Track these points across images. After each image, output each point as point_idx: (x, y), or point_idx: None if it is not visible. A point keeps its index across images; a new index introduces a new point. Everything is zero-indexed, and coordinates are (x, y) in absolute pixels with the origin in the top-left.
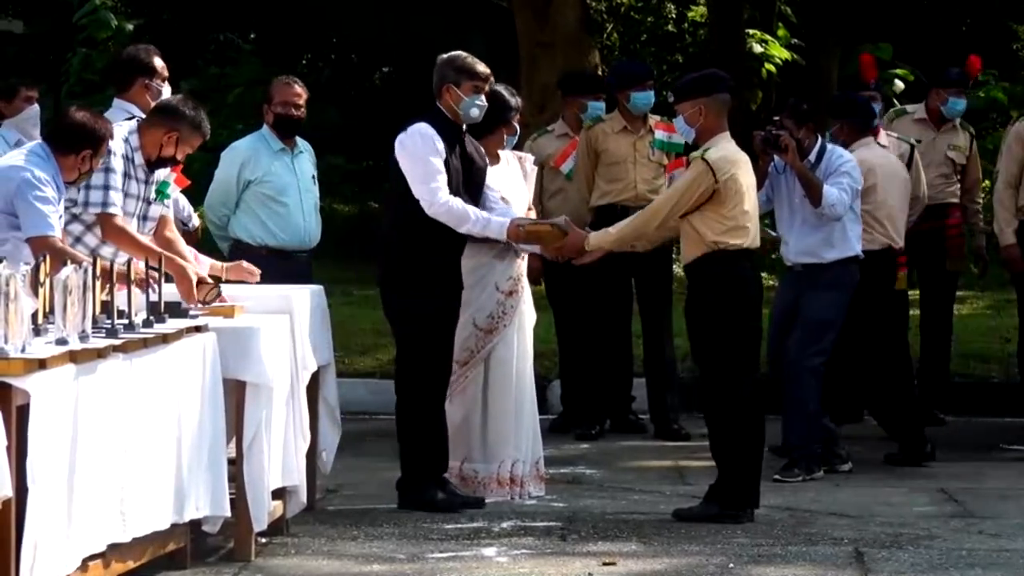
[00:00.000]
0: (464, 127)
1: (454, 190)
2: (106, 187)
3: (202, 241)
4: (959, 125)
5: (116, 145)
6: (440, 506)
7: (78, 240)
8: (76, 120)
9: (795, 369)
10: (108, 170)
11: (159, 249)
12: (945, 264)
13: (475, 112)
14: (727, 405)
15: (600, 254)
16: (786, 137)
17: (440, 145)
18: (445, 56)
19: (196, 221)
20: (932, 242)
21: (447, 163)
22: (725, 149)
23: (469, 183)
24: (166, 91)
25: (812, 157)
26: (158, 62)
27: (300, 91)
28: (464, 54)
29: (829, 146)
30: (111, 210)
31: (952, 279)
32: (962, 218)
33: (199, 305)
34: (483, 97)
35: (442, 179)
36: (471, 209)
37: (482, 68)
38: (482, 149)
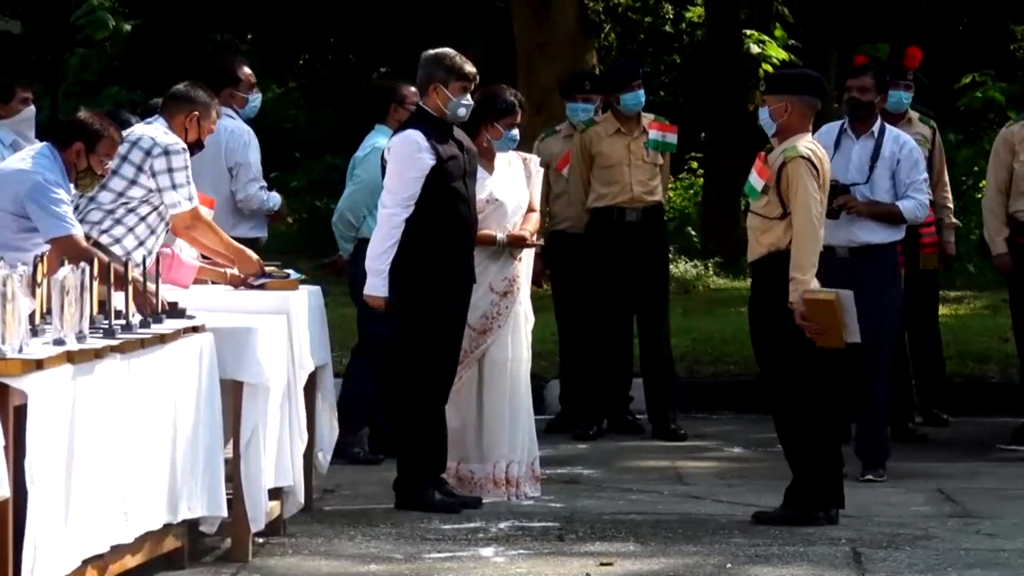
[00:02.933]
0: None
1: (457, 183)
2: (189, 182)
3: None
4: (919, 119)
5: (171, 139)
6: (438, 506)
7: (118, 241)
8: (74, 117)
9: (883, 376)
10: (182, 168)
11: (236, 244)
12: (919, 263)
13: (462, 112)
14: (798, 406)
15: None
16: (847, 201)
17: (427, 155)
18: (432, 53)
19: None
20: (905, 241)
21: (442, 161)
22: (809, 144)
23: (469, 171)
24: (256, 99)
25: (875, 130)
26: (244, 71)
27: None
28: (452, 52)
29: (886, 125)
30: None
31: (931, 278)
32: (934, 215)
33: (263, 278)
34: (470, 96)
35: (410, 196)
36: (391, 245)
37: (470, 68)
38: (467, 138)
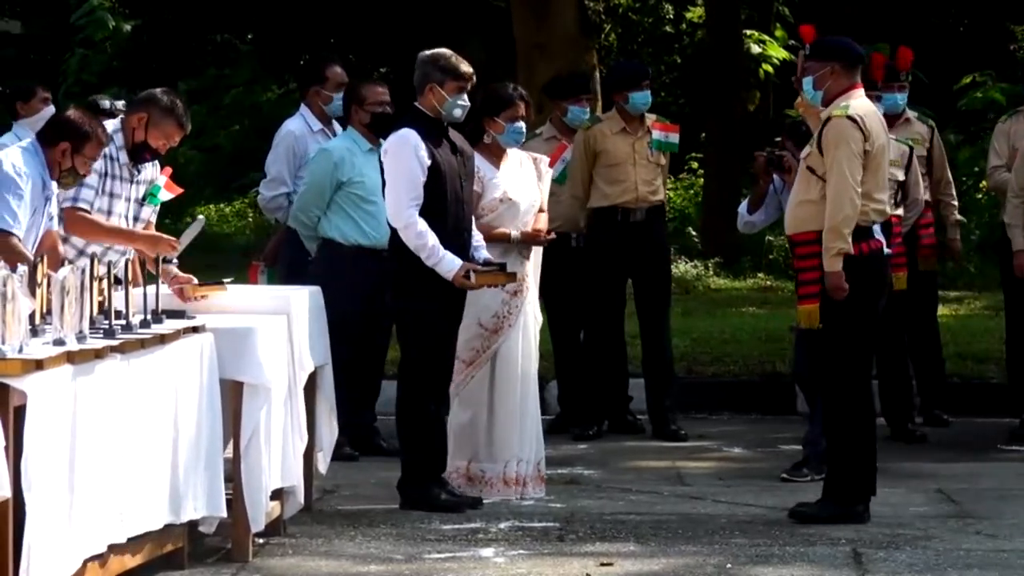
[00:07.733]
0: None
1: (451, 184)
2: (80, 184)
3: None
4: (916, 119)
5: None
6: (442, 506)
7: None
8: (62, 116)
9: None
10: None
11: (124, 228)
12: (918, 265)
13: (458, 112)
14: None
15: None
16: (789, 158)
17: (424, 152)
18: (428, 53)
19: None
20: (905, 243)
21: (437, 162)
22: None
23: (463, 174)
24: (338, 99)
25: None
26: (331, 71)
27: (385, 90)
28: (448, 53)
29: None
30: (80, 204)
31: (930, 279)
32: (933, 215)
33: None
34: (466, 97)
35: (417, 195)
36: (432, 237)
37: (466, 68)
38: (462, 139)
